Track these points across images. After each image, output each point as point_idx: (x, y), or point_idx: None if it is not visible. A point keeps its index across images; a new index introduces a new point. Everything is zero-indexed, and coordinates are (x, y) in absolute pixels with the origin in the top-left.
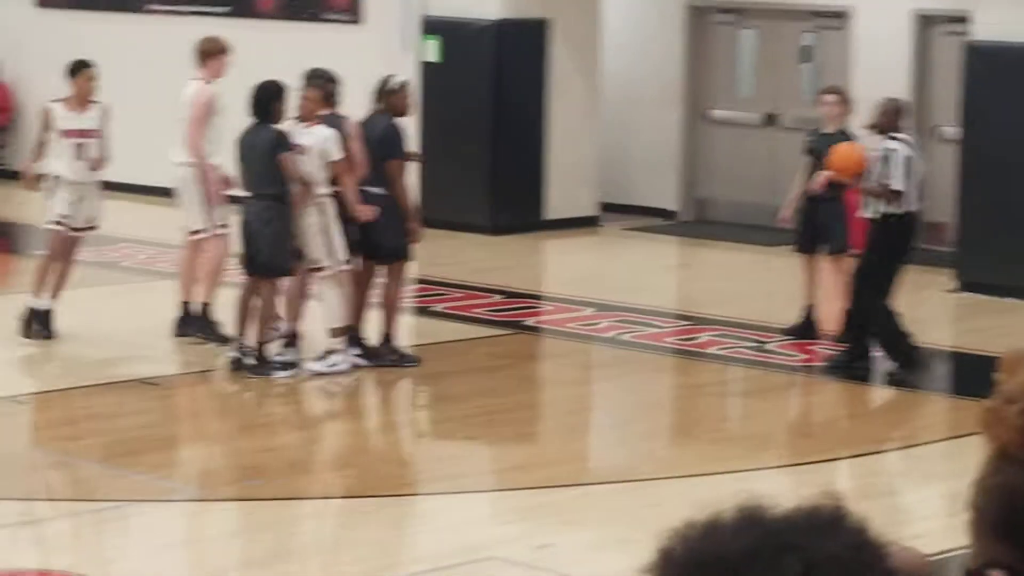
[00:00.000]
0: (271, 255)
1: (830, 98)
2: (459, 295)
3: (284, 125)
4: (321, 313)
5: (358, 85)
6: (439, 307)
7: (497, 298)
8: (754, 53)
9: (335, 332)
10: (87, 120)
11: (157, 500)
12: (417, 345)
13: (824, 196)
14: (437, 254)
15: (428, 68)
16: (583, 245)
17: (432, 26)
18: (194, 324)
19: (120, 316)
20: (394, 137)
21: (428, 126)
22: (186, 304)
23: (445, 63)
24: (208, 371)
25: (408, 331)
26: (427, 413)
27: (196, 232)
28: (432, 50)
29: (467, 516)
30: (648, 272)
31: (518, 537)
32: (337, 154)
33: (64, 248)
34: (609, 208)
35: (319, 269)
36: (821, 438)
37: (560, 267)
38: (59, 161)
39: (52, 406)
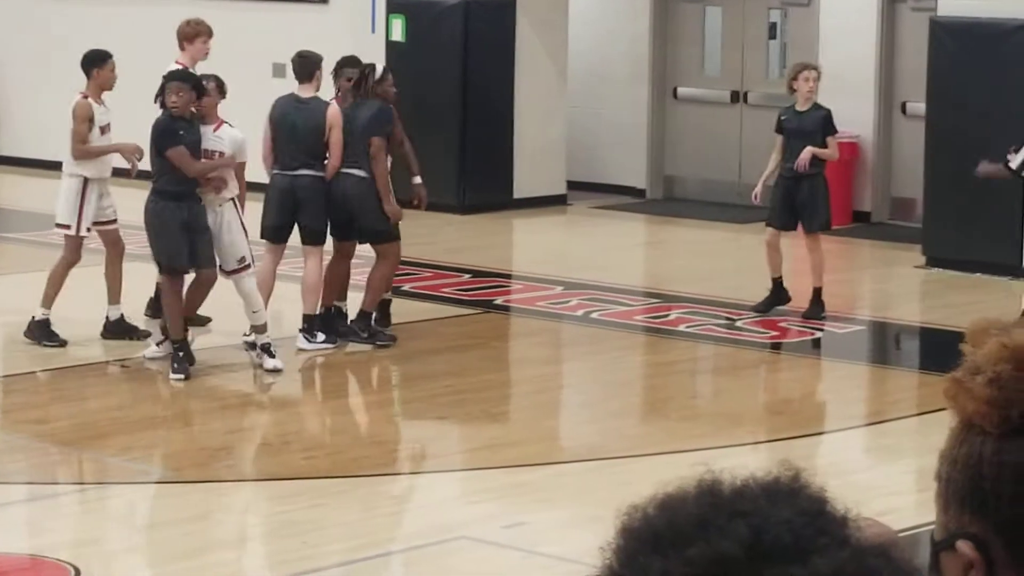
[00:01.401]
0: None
1: (811, 74)
2: (428, 275)
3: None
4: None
5: (325, 64)
6: (408, 287)
7: (466, 277)
8: (721, 31)
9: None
10: (107, 113)
11: (130, 483)
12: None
13: (807, 173)
14: (407, 234)
15: (393, 47)
16: (552, 224)
17: (397, 6)
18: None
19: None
20: (384, 118)
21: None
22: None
23: (410, 43)
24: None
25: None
26: (397, 393)
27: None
28: (398, 30)
29: (438, 496)
30: (617, 250)
31: (489, 517)
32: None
33: (114, 245)
34: (577, 186)
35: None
36: (790, 415)
37: (529, 246)
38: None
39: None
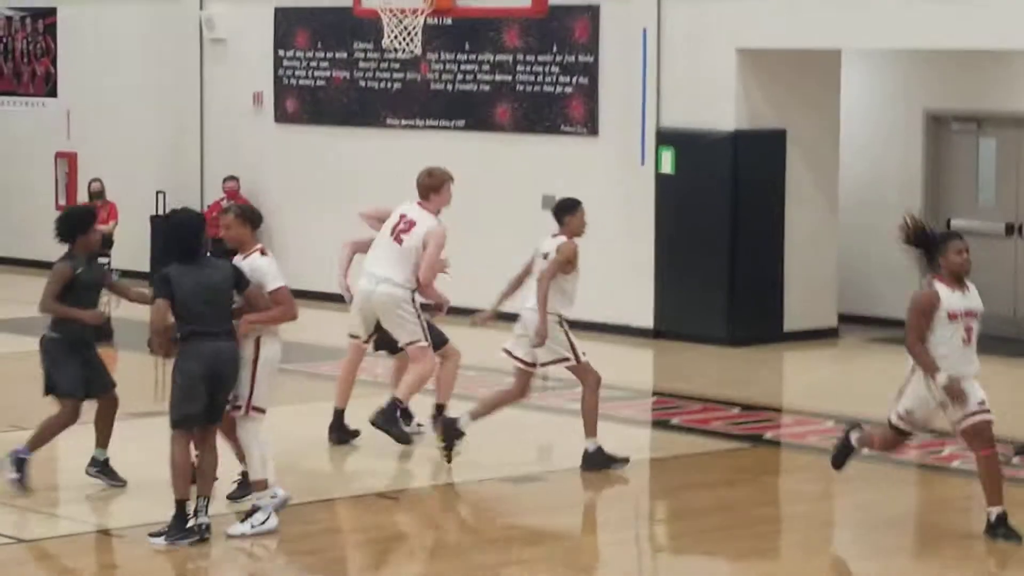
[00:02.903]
0: None
1: None
2: (697, 408)
3: None
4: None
5: (595, 195)
6: (677, 420)
7: (735, 411)
8: (994, 162)
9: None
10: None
11: None
12: (656, 458)
13: None
14: (676, 366)
15: (662, 180)
16: (822, 357)
17: (667, 137)
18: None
19: None
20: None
21: (662, 236)
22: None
23: (680, 174)
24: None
25: (646, 443)
26: (665, 527)
27: (413, 343)
28: (667, 162)
29: None
30: (891, 383)
31: None
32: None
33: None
34: (849, 319)
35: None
36: None
37: (799, 379)
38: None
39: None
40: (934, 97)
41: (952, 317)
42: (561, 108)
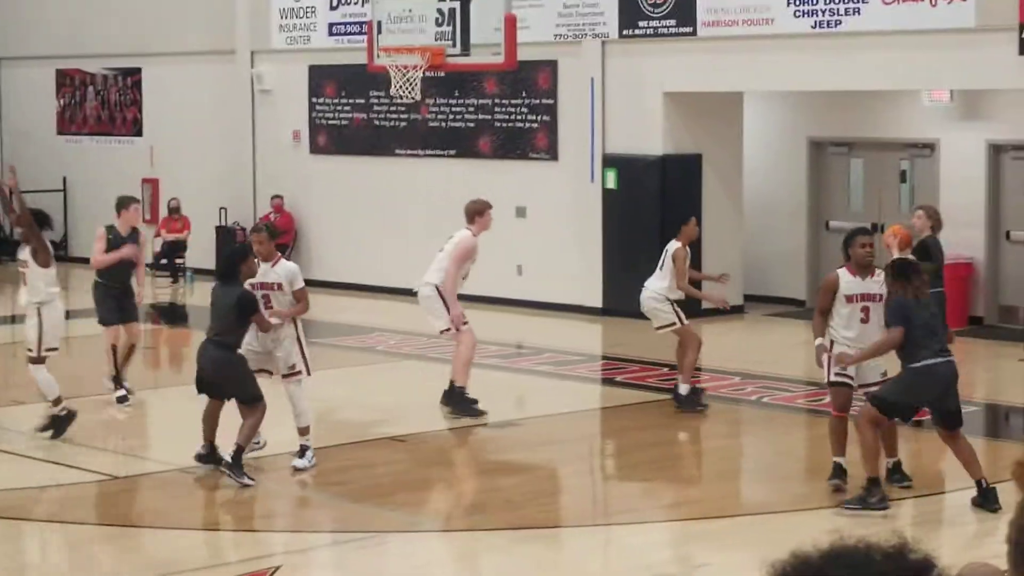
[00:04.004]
0: None
1: (920, 212)
2: (635, 368)
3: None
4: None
5: (556, 206)
6: (620, 378)
7: (665, 370)
8: (862, 176)
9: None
10: None
11: (406, 531)
12: (605, 407)
13: None
14: (619, 337)
15: (608, 193)
16: (732, 328)
17: (610, 160)
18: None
19: (379, 389)
20: None
21: (608, 236)
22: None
23: (621, 189)
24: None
25: (597, 396)
26: (613, 460)
27: (445, 331)
28: (611, 180)
29: (642, 542)
30: (786, 349)
31: (681, 558)
32: None
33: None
34: (752, 298)
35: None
36: (920, 478)
37: (714, 344)
38: None
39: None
40: (815, 127)
41: (849, 299)
42: (529, 139)
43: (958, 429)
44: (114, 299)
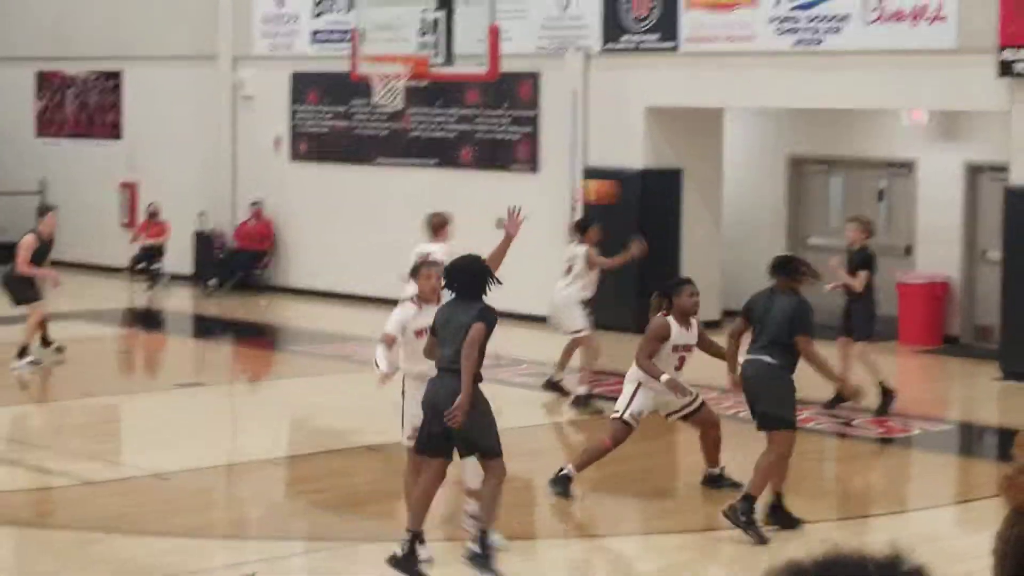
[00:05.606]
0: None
1: (852, 224)
2: (614, 380)
3: None
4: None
5: (537, 218)
6: (598, 390)
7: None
8: (841, 194)
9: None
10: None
11: (380, 541)
12: (580, 420)
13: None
14: (601, 349)
15: (588, 206)
16: None
17: (591, 173)
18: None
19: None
20: (806, 314)
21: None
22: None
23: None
24: None
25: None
26: (591, 470)
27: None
28: (591, 193)
29: (621, 554)
30: None
31: (661, 570)
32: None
33: None
34: (730, 313)
35: None
36: (895, 495)
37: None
38: None
39: (300, 466)
40: (795, 145)
41: (674, 349)
42: (510, 151)
43: (766, 432)
44: (29, 282)
